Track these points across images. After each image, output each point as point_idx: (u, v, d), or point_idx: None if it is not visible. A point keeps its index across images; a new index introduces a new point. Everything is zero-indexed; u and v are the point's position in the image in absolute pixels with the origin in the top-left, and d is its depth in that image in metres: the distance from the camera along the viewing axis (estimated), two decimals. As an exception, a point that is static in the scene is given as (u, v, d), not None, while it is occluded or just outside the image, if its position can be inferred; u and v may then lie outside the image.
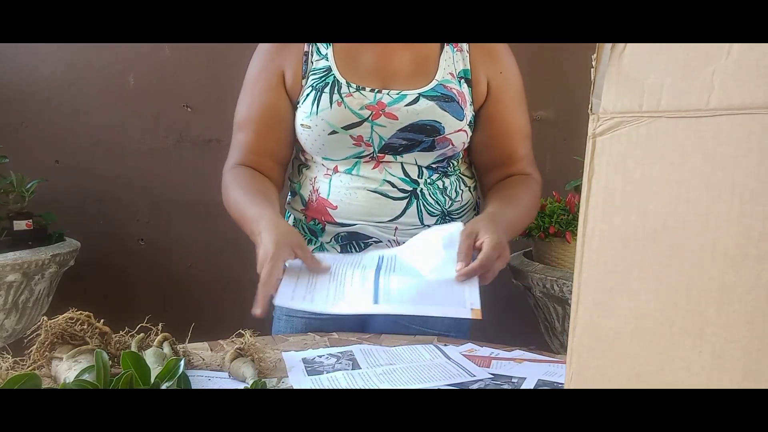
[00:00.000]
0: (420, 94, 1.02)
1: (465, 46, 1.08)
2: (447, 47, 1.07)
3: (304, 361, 0.90)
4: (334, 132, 1.03)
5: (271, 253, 0.87)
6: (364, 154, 1.04)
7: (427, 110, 1.02)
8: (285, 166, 1.15)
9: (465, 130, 1.06)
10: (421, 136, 1.02)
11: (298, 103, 1.06)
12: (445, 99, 1.03)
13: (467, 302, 0.78)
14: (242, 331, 0.88)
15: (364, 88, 1.03)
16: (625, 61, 0.42)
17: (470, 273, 0.86)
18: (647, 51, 0.42)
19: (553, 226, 1.71)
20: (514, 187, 1.09)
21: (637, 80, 0.42)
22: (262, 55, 1.10)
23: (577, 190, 1.79)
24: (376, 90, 1.03)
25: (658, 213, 0.41)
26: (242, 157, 1.10)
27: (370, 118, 1.02)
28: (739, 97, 0.38)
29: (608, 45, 0.43)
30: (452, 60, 1.06)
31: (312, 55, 1.06)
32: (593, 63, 0.44)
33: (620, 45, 0.43)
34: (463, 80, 1.06)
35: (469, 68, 1.07)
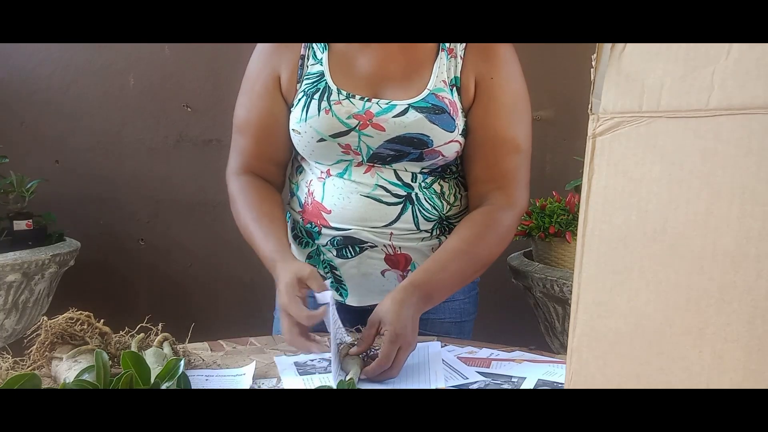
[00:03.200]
0: (410, 105, 1.00)
1: (459, 52, 1.04)
2: (441, 53, 1.04)
3: (296, 364, 0.91)
4: (322, 139, 1.02)
5: (286, 298, 0.89)
6: (353, 162, 1.04)
7: (415, 123, 0.99)
8: (286, 166, 1.15)
9: (457, 141, 1.03)
10: (408, 148, 1.00)
11: (292, 106, 1.06)
12: (435, 111, 1.00)
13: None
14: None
15: (353, 96, 1.01)
16: (625, 61, 0.42)
17: (374, 370, 0.84)
18: (647, 51, 0.42)
19: (553, 226, 1.71)
20: (473, 233, 1.00)
21: (637, 80, 0.42)
22: (260, 57, 1.10)
23: (577, 190, 1.79)
24: (366, 98, 1.01)
25: (658, 213, 0.41)
26: (244, 163, 1.11)
27: (357, 128, 1.00)
28: (739, 97, 0.38)
29: (608, 45, 0.43)
30: (446, 67, 1.03)
31: (308, 59, 1.05)
32: (593, 63, 0.44)
33: (620, 45, 0.43)
34: (454, 88, 1.03)
35: (459, 75, 1.03)
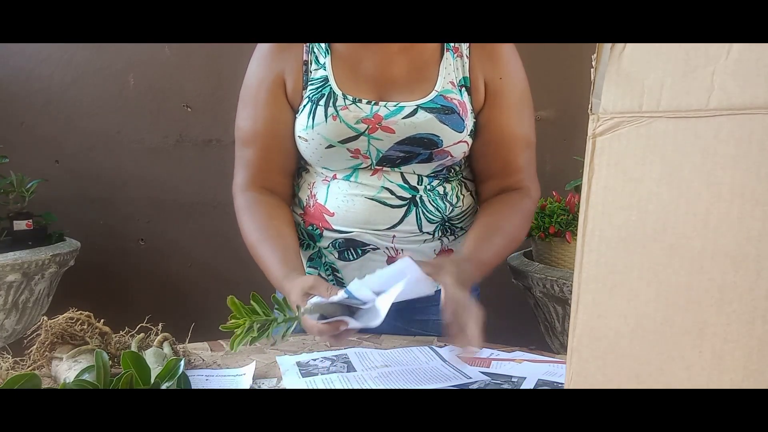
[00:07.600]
0: (418, 106, 0.99)
1: (465, 51, 1.04)
2: (447, 53, 1.03)
3: (299, 364, 0.91)
4: (330, 146, 1.01)
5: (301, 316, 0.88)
6: (362, 166, 1.03)
7: (425, 123, 0.99)
8: (293, 177, 1.12)
9: (465, 141, 1.03)
10: (418, 148, 1.00)
11: (297, 112, 1.04)
12: (444, 111, 1.00)
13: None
14: None
15: (360, 101, 1.00)
16: (625, 61, 0.42)
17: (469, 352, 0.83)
18: (647, 51, 0.42)
19: (553, 226, 1.71)
20: (501, 211, 1.05)
21: (637, 80, 0.42)
22: (260, 64, 1.06)
23: (577, 190, 1.79)
24: (373, 102, 1.00)
25: (658, 213, 0.41)
26: (252, 177, 1.08)
27: (366, 132, 0.99)
28: (739, 97, 0.38)
29: (608, 45, 0.43)
30: (453, 67, 1.03)
31: (311, 65, 1.04)
32: (593, 63, 0.44)
33: (620, 45, 0.43)
34: (463, 88, 1.03)
35: (468, 76, 1.03)
